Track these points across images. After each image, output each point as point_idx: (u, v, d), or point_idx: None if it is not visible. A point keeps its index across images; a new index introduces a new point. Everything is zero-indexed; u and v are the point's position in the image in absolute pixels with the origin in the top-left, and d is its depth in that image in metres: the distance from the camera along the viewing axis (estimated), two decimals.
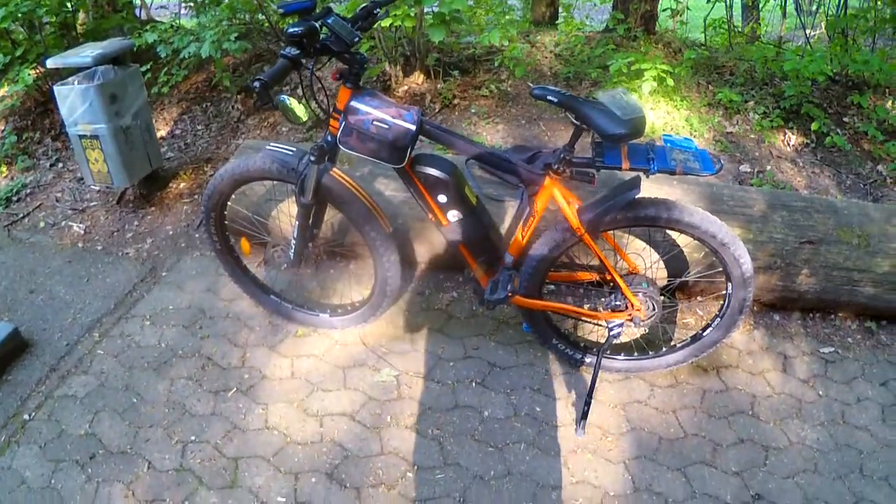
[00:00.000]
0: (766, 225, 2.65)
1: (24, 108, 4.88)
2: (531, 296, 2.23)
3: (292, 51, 1.86)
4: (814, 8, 6.45)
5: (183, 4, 5.85)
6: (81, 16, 5.31)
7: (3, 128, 4.85)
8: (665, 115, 3.81)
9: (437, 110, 4.01)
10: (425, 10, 3.57)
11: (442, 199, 2.10)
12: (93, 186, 3.90)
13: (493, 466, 2.19)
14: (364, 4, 2.19)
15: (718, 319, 2.32)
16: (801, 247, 2.64)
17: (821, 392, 2.52)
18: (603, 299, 2.26)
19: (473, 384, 2.49)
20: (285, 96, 1.93)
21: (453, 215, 2.13)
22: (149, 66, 4.31)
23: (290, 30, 1.82)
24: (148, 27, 4.06)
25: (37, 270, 3.56)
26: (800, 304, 2.82)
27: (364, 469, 2.20)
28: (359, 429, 2.34)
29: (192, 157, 4.28)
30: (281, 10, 1.93)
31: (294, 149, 2.22)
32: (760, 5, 5.83)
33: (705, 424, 2.36)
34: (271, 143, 2.27)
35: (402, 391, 2.48)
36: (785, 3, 5.44)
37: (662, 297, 2.72)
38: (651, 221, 2.00)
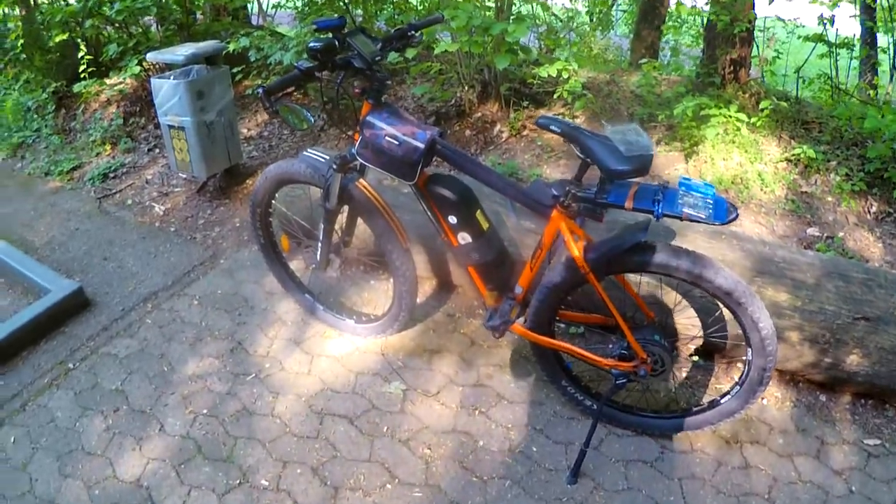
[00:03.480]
0: (817, 293, 2.42)
1: (135, 95, 5.32)
2: (539, 331, 2.20)
3: (305, 64, 1.99)
4: None
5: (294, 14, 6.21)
6: (200, 17, 5.75)
7: (114, 110, 5.29)
8: (736, 167, 3.67)
9: (504, 139, 4.05)
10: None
11: (452, 219, 2.14)
12: (179, 174, 4.20)
13: (472, 497, 2.17)
14: (399, 26, 2.28)
15: (738, 388, 2.16)
16: (855, 323, 2.38)
17: (854, 487, 2.22)
18: (610, 345, 2.20)
19: (477, 412, 2.49)
20: (289, 103, 2.04)
21: (463, 237, 2.16)
22: (241, 68, 4.59)
23: (311, 44, 1.94)
24: (242, 32, 4.35)
25: (114, 241, 3.87)
26: (850, 387, 2.54)
27: (348, 472, 2.26)
28: (354, 433, 2.40)
29: (273, 159, 4.51)
30: (314, 26, 2.04)
31: (327, 156, 2.33)
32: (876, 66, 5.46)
33: (711, 500, 2.17)
34: (309, 149, 2.38)
35: (405, 406, 2.52)
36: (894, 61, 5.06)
37: (692, 355, 2.64)
38: (658, 269, 1.93)
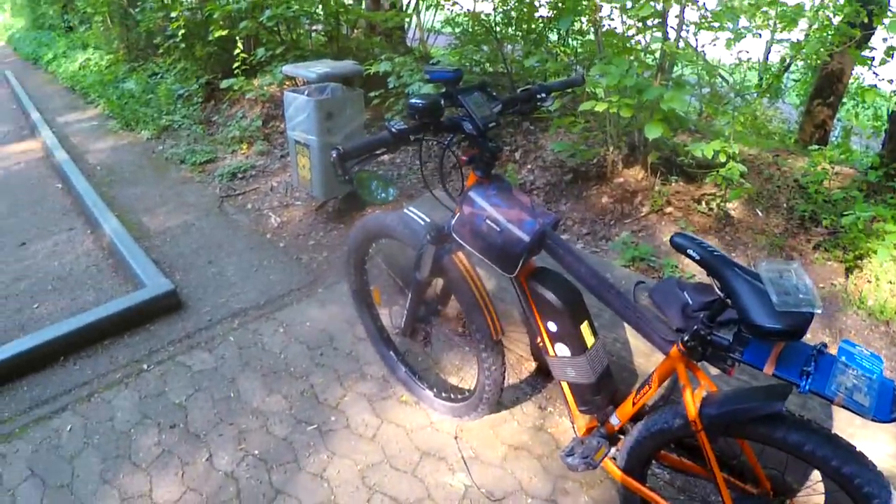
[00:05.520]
0: None
1: (279, 99, 5.38)
2: (630, 473, 1.85)
3: (399, 125, 1.68)
4: None
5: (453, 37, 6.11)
6: (356, 31, 5.78)
7: (257, 111, 5.39)
8: None
9: (643, 213, 3.68)
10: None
11: (552, 327, 1.83)
12: (298, 187, 4.16)
13: None
14: (527, 87, 1.99)
15: None
16: None
17: None
18: None
19: None
20: (371, 170, 1.74)
21: (561, 350, 1.85)
22: (379, 93, 4.49)
23: (412, 100, 1.66)
24: (385, 56, 4.24)
25: (223, 245, 3.87)
26: None
27: None
28: None
29: (399, 190, 4.36)
30: (426, 77, 1.80)
31: (427, 220, 2.10)
32: None
33: None
34: (411, 207, 2.16)
35: None
36: None
37: None
38: (789, 448, 1.53)
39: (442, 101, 1.72)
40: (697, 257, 1.48)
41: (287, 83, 4.97)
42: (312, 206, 4.26)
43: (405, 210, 2.17)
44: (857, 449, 1.49)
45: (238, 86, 5.17)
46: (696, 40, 4.22)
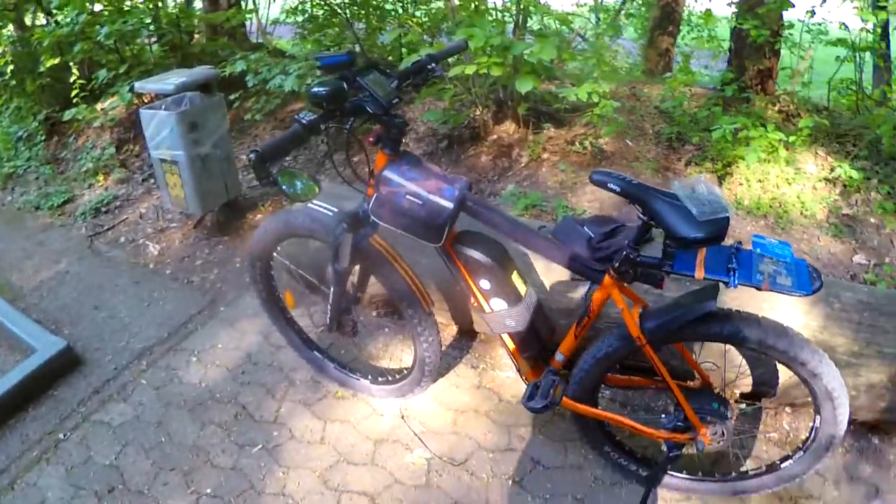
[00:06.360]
0: (875, 335, 2.18)
1: (129, 120, 5.06)
2: (582, 400, 1.94)
3: (308, 116, 1.64)
4: None
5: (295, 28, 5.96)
6: (196, 36, 5.50)
7: (107, 138, 5.04)
8: (773, 189, 3.41)
9: (523, 164, 3.78)
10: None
11: (485, 284, 1.86)
12: (171, 208, 3.94)
13: None
14: (417, 58, 2.00)
15: (801, 453, 1.92)
16: None
17: None
18: (664, 416, 1.94)
19: (510, 482, 2.22)
20: (290, 167, 1.70)
21: (497, 304, 1.89)
22: (238, 94, 4.32)
23: (314, 90, 1.63)
24: (239, 55, 4.07)
25: (105, 286, 3.61)
26: None
27: None
28: None
29: (275, 189, 4.23)
30: (318, 64, 1.76)
31: (335, 210, 2.06)
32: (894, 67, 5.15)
33: None
34: (315, 202, 2.10)
35: (430, 478, 2.25)
36: None
37: (743, 407, 2.38)
38: (727, 339, 1.68)
39: (345, 86, 1.68)
40: (618, 189, 1.57)
41: (136, 102, 4.65)
42: (189, 224, 4.06)
43: (309, 205, 2.11)
44: (785, 325, 1.65)
45: (81, 115, 4.75)
46: None
